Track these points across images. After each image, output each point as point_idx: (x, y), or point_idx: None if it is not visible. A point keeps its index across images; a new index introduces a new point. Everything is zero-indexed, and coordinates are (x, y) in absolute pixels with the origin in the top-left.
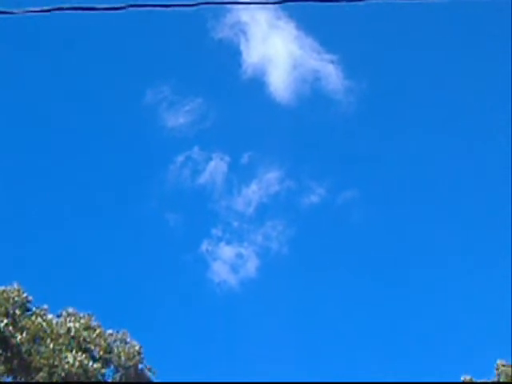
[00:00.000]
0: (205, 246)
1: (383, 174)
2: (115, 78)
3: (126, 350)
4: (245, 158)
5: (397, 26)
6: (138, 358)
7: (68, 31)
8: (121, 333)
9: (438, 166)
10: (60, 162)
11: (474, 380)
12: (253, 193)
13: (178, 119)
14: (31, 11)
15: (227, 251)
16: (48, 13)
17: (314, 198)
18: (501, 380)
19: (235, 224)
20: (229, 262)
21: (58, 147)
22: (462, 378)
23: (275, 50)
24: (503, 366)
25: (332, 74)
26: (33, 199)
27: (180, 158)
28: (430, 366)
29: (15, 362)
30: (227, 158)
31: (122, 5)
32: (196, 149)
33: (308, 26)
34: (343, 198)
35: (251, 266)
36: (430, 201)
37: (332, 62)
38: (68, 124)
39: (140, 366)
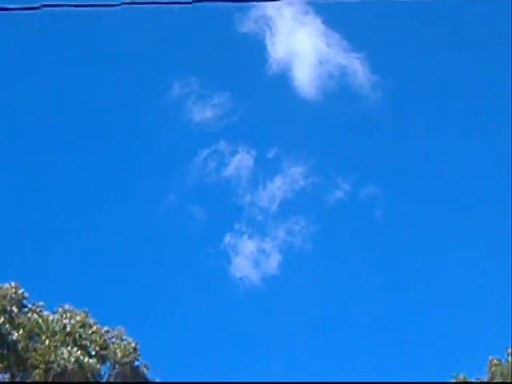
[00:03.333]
0: (227, 239)
1: (407, 170)
2: (142, 72)
3: (122, 346)
4: (271, 153)
5: (423, 23)
6: (134, 354)
7: (96, 24)
8: (117, 329)
9: (463, 164)
10: (79, 153)
11: (468, 378)
12: (277, 188)
13: (204, 113)
14: (22, 8)
15: (250, 246)
16: (36, 10)
17: (339, 194)
18: (496, 379)
19: (259, 219)
20: (251, 256)
21: (80, 138)
22: (453, 374)
23: (301, 45)
24: (496, 364)
25: (358, 70)
26: (33, 194)
27: (206, 152)
28: (422, 362)
29: (12, 358)
30: (253, 152)
31: (116, 3)
32: (222, 142)
33: (335, 21)
34: (366, 193)
35: (273, 261)
36: (452, 198)
37: (358, 58)
38: (93, 115)
39: (136, 362)
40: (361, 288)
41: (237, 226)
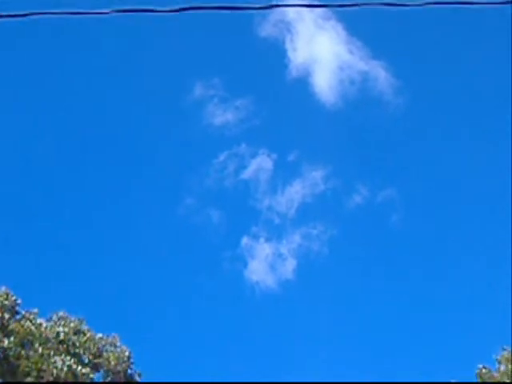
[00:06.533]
0: (244, 242)
1: (426, 175)
2: (164, 72)
3: (116, 354)
4: (291, 156)
5: (445, 29)
6: (127, 362)
7: (117, 24)
8: (111, 337)
9: (482, 170)
10: (95, 153)
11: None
12: (296, 192)
13: (226, 116)
14: (11, 15)
15: (266, 250)
16: (25, 17)
17: (358, 198)
18: None
19: (276, 222)
20: (267, 260)
21: (97, 137)
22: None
23: (321, 51)
24: (488, 372)
25: (380, 76)
26: (30, 195)
27: (226, 154)
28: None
29: (3, 366)
30: (274, 156)
31: (108, 10)
32: (243, 145)
33: (357, 28)
34: (384, 198)
35: (290, 265)
36: (470, 204)
37: (380, 65)
38: (112, 115)
39: (129, 371)
40: (377, 293)
41: (254, 229)
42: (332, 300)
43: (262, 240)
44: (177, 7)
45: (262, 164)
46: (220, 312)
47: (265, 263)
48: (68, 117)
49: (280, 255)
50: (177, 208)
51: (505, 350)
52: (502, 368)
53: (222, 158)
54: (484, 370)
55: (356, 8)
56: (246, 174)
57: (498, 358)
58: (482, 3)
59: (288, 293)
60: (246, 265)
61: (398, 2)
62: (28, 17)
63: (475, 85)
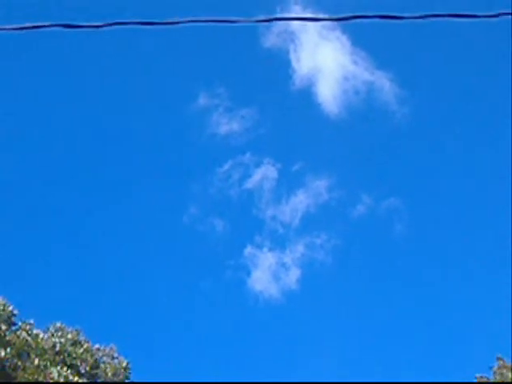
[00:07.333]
0: (248, 251)
1: (431, 184)
2: (170, 84)
3: (113, 365)
4: (295, 167)
5: (448, 38)
6: (124, 373)
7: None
8: (108, 348)
9: (489, 179)
10: (97, 160)
11: None
12: (300, 202)
13: (231, 125)
14: (14, 28)
15: (269, 259)
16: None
17: (362, 208)
18: None
19: (280, 231)
20: (270, 270)
21: (99, 144)
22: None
23: (326, 61)
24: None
25: (384, 86)
26: (34, 204)
27: (230, 164)
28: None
29: (0, 377)
30: (278, 166)
31: (107, 22)
32: (247, 155)
33: (361, 38)
34: (388, 208)
35: (293, 275)
36: (476, 213)
37: (385, 76)
38: (115, 123)
39: (127, 381)
40: (381, 302)
41: (258, 238)
42: (336, 310)
43: (265, 249)
44: (180, 20)
45: (266, 173)
46: (223, 321)
47: (268, 273)
48: (72, 123)
49: (283, 265)
50: (181, 216)
51: (499, 359)
52: (498, 377)
53: (226, 167)
54: (482, 380)
55: (356, 20)
56: (251, 184)
57: (494, 368)
58: (480, 16)
59: (292, 302)
60: (249, 274)
61: (396, 15)
62: (27, 30)
63: (481, 94)
